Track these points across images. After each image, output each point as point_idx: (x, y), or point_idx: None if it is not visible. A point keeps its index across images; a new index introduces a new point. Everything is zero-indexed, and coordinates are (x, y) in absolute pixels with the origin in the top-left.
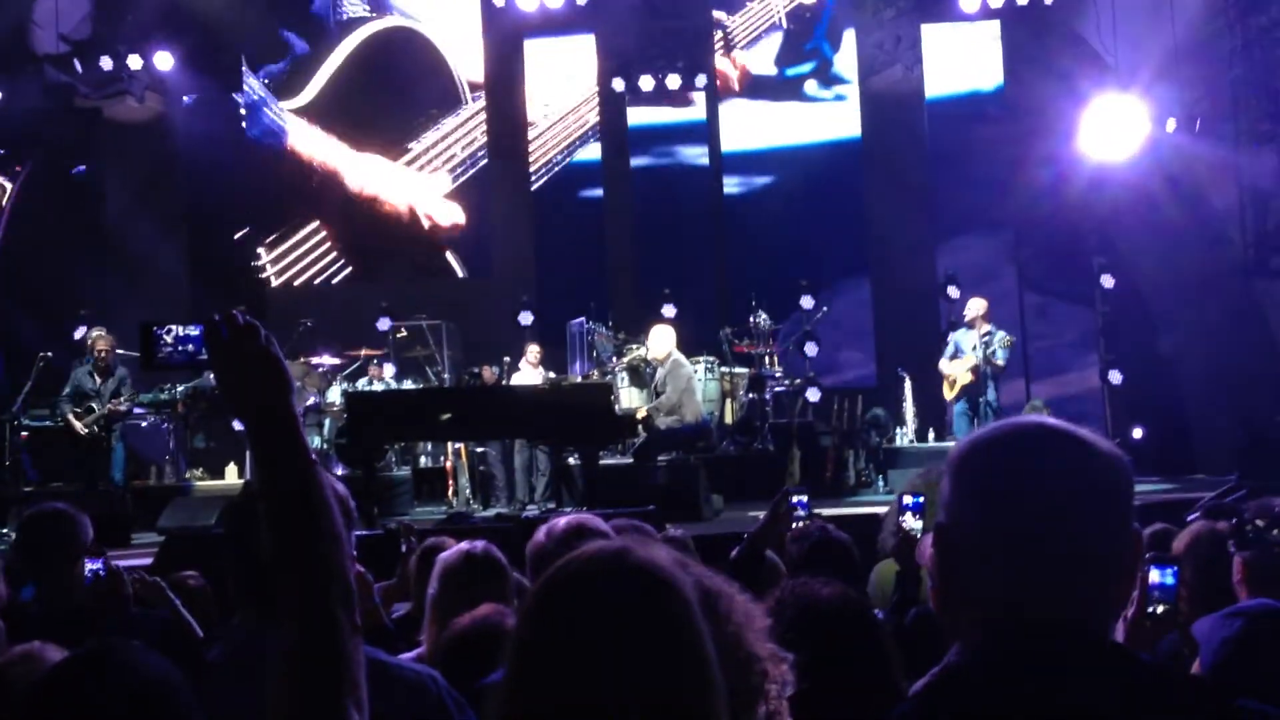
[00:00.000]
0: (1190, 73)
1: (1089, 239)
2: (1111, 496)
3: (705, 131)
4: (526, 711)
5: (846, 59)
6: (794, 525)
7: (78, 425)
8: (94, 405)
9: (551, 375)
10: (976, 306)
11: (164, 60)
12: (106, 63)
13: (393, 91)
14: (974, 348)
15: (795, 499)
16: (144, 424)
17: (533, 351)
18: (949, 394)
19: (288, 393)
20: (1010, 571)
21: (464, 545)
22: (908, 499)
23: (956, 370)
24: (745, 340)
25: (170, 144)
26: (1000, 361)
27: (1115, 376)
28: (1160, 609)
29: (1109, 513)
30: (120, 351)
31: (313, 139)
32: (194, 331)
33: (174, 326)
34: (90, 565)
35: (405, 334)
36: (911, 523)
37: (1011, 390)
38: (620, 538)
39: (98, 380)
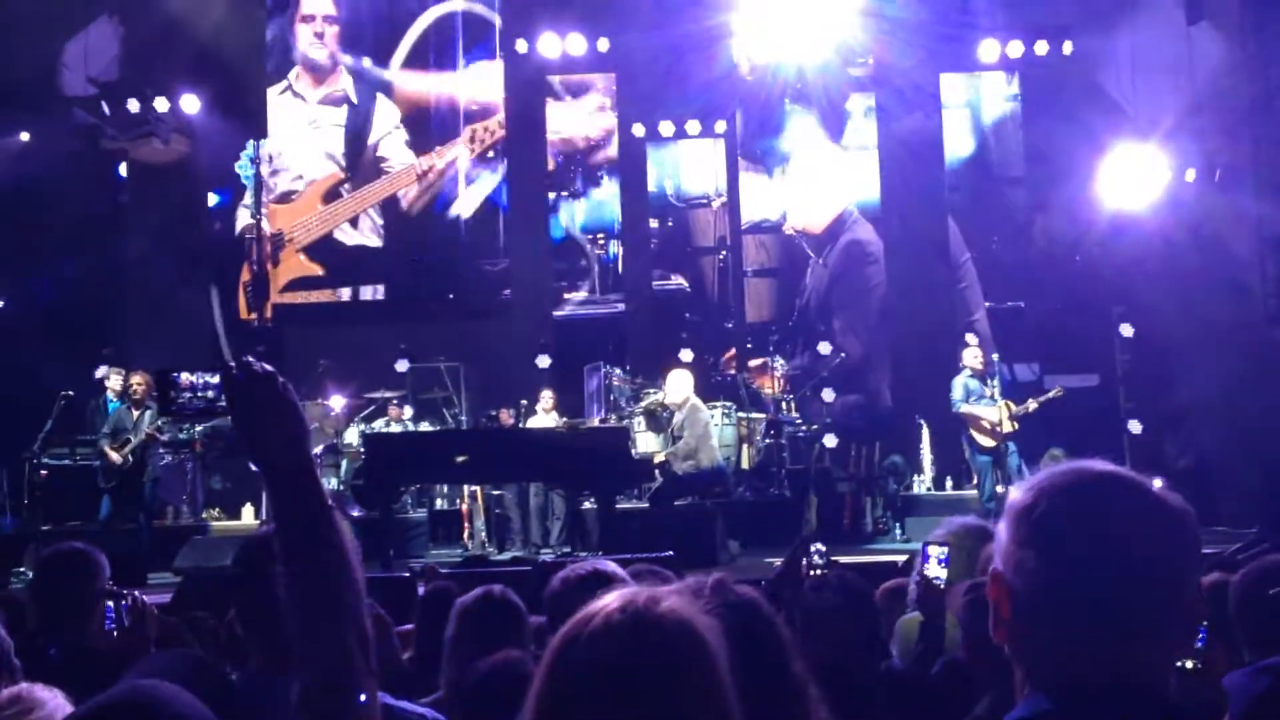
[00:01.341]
0: (1210, 123)
1: (1108, 287)
2: (1183, 550)
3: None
4: None
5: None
6: (812, 573)
7: (115, 456)
8: (130, 438)
9: (565, 420)
10: (975, 358)
11: (190, 103)
12: (134, 105)
13: None
14: (992, 397)
15: (812, 546)
16: (161, 463)
17: (546, 397)
18: (990, 440)
19: (304, 439)
20: (1072, 625)
21: (482, 588)
22: (932, 549)
23: (1001, 417)
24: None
25: (195, 185)
26: (1032, 409)
27: (1135, 426)
28: (1189, 664)
29: (1180, 567)
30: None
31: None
32: (212, 379)
33: (191, 374)
34: (111, 605)
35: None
36: (935, 571)
37: (1029, 439)
38: (641, 584)
39: (134, 416)
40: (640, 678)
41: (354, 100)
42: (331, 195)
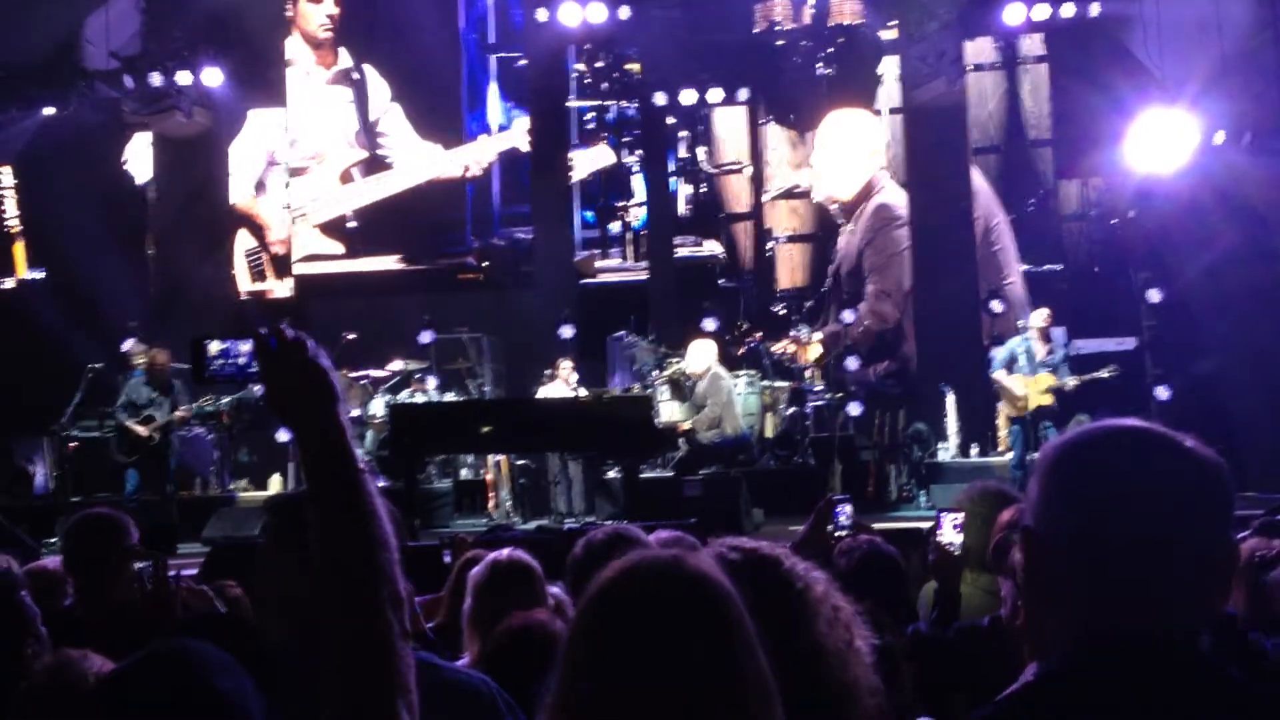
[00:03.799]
0: (1238, 86)
1: (1135, 252)
2: (1214, 504)
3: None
4: (580, 716)
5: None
6: (839, 535)
7: (140, 430)
8: (154, 415)
9: (581, 389)
10: (1041, 317)
11: (212, 76)
12: (156, 79)
13: None
14: (1043, 365)
15: (839, 508)
16: (189, 435)
17: (565, 366)
18: (1016, 411)
19: (336, 404)
20: (1106, 580)
21: (490, 555)
22: (945, 515)
23: (1029, 391)
24: (786, 355)
25: (217, 158)
26: (1070, 387)
27: (1162, 392)
28: None
29: (1211, 521)
30: (173, 365)
31: None
32: (244, 346)
33: (224, 341)
34: (139, 566)
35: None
36: (950, 536)
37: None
38: (667, 548)
39: (155, 393)
40: (678, 616)
41: (355, 77)
42: (347, 178)
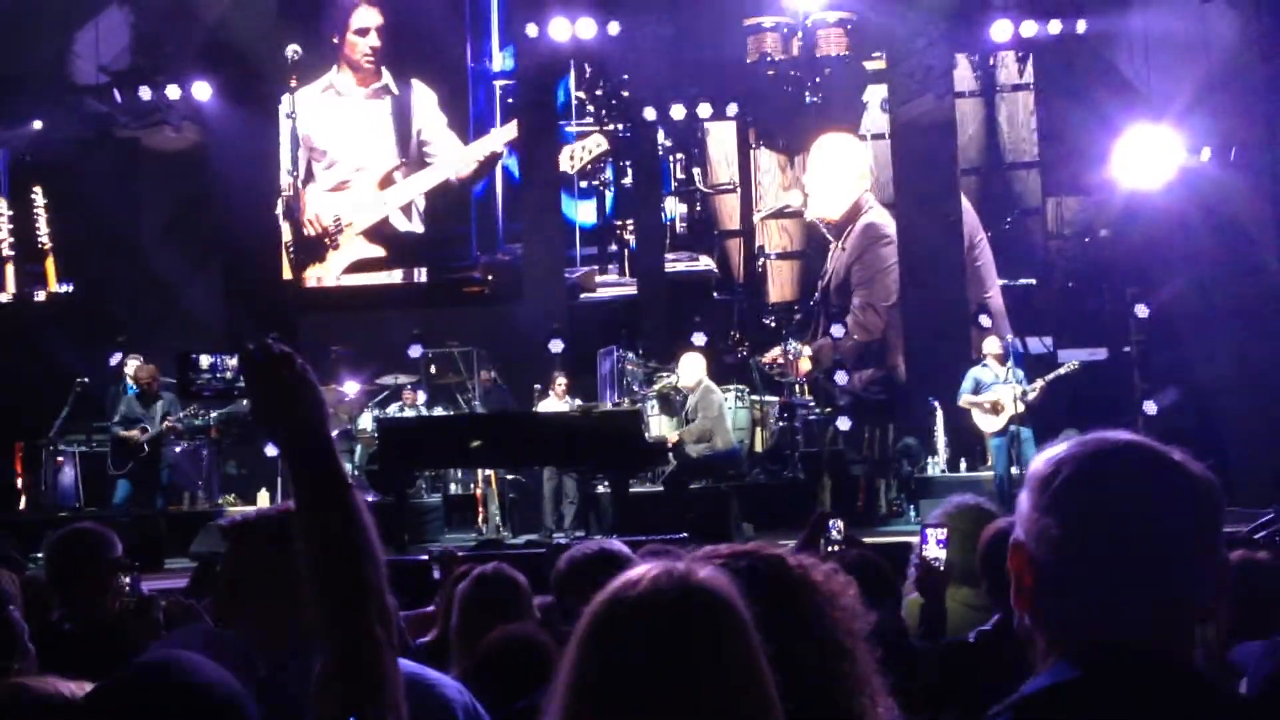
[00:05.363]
0: (1224, 102)
1: (1122, 267)
2: (1204, 520)
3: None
4: None
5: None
6: (830, 549)
7: (135, 434)
8: (146, 427)
9: (579, 403)
10: (994, 345)
11: (202, 90)
12: (145, 93)
13: None
14: (1005, 381)
15: (830, 522)
16: (177, 449)
17: (560, 381)
18: (992, 424)
19: (323, 417)
20: (1096, 594)
21: (476, 570)
22: (930, 531)
23: (1001, 398)
24: (777, 368)
25: (207, 172)
26: (1032, 395)
27: (1150, 407)
28: None
29: (1202, 537)
30: (162, 379)
31: None
32: (231, 360)
33: (210, 356)
34: (124, 580)
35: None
36: (934, 552)
37: (1044, 420)
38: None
39: (144, 407)
40: (690, 643)
41: (395, 91)
42: (387, 182)
